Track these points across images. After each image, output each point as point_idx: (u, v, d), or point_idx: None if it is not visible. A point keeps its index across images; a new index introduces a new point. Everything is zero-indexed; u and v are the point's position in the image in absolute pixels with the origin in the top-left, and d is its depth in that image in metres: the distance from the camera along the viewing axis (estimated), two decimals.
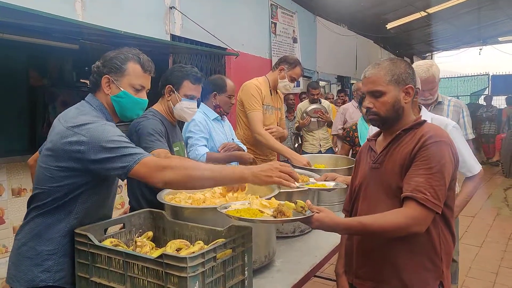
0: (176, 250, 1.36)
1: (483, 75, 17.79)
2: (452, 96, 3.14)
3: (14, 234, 1.92)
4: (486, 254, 4.31)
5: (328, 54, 9.29)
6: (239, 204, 1.51)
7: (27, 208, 1.46)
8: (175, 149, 2.14)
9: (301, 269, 1.74)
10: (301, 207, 1.34)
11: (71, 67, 5.03)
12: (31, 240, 1.41)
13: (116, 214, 1.79)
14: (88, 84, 1.55)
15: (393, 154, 1.47)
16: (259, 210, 1.39)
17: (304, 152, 5.16)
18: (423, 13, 10.16)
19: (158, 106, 2.14)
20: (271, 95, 3.09)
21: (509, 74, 16.28)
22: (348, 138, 3.52)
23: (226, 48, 5.56)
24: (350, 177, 2.30)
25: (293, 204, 1.36)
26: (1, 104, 3.98)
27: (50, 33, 3.52)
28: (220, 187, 1.91)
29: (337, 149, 5.32)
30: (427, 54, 17.80)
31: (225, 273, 1.26)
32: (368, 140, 1.67)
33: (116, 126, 1.47)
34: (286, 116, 6.02)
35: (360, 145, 2.94)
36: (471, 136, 2.72)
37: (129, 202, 2.13)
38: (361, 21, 10.07)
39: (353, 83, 9.33)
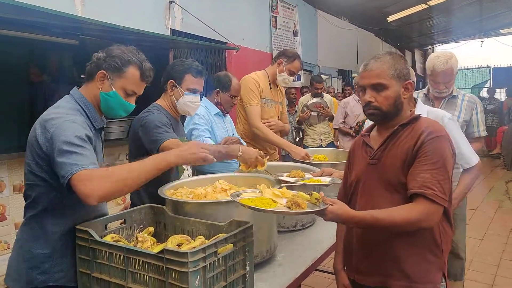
0: (177, 245, 1.36)
1: (485, 67, 17.72)
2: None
3: (16, 230, 1.92)
4: (488, 247, 4.31)
5: (329, 47, 9.25)
6: (250, 192, 1.53)
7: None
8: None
9: (303, 263, 1.74)
10: (316, 198, 1.33)
11: (71, 62, 5.02)
12: (27, 243, 1.41)
13: (117, 209, 1.79)
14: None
15: (392, 150, 1.46)
16: (272, 200, 1.39)
17: (305, 146, 5.15)
18: (424, 6, 10.10)
19: (161, 102, 2.14)
20: (271, 88, 3.07)
21: (511, 67, 16.21)
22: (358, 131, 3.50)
23: (227, 43, 5.54)
24: None
25: (307, 196, 1.35)
26: (1, 100, 3.98)
27: (49, 28, 3.51)
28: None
29: (338, 143, 5.32)
30: (429, 47, 17.72)
31: (226, 268, 1.26)
32: (361, 135, 1.65)
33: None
34: (287, 110, 6.01)
35: None
36: (484, 133, 2.69)
37: (130, 197, 2.13)
38: (362, 14, 10.00)
39: (354, 77, 9.30)
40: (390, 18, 10.97)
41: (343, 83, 10.03)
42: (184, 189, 1.87)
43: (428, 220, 1.32)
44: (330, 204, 1.30)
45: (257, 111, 2.90)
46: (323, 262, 2.12)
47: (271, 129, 2.92)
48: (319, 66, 8.96)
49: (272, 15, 7.02)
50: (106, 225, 1.49)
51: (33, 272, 1.38)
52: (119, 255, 1.26)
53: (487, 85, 16.10)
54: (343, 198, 1.66)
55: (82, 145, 1.31)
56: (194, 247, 1.20)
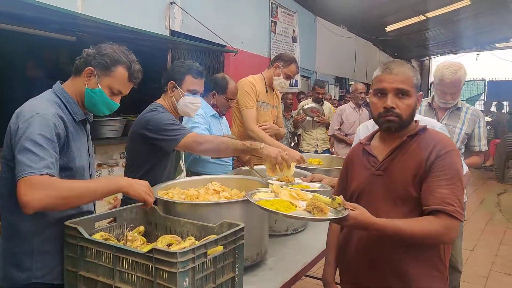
0: (167, 245, 1.35)
1: (480, 80, 17.92)
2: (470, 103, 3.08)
3: None
4: (478, 258, 4.33)
5: (327, 54, 9.30)
6: (263, 192, 1.50)
7: None
8: None
9: (293, 268, 1.73)
10: (338, 203, 1.28)
11: (68, 59, 4.99)
12: (6, 241, 1.39)
13: (107, 207, 1.78)
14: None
15: (400, 161, 1.42)
16: (290, 203, 1.35)
17: (301, 151, 5.15)
18: (422, 17, 10.19)
19: (162, 102, 2.11)
20: (267, 92, 3.08)
21: (505, 80, 16.39)
22: None
23: (226, 46, 5.55)
24: (337, 178, 2.30)
25: (326, 199, 1.31)
26: None
27: (47, 24, 3.49)
28: (215, 184, 1.91)
29: (333, 150, 5.33)
30: (425, 58, 17.87)
31: (215, 270, 1.25)
32: (361, 143, 1.59)
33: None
34: (283, 115, 6.02)
35: None
36: (484, 148, 2.68)
37: (122, 196, 2.12)
38: (361, 23, 10.08)
39: (351, 84, 9.34)
40: (389, 28, 11.06)
41: (343, 90, 10.08)
42: (176, 190, 1.86)
43: (448, 235, 1.30)
44: (351, 209, 1.25)
45: (253, 114, 2.90)
46: (314, 268, 2.11)
47: (266, 132, 2.91)
48: (316, 73, 9.00)
49: (272, 20, 7.05)
50: (94, 223, 1.47)
51: (15, 270, 1.36)
52: (108, 253, 1.25)
53: (482, 98, 16.28)
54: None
55: (43, 145, 1.28)
56: (184, 248, 1.19)
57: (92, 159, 1.63)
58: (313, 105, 5.30)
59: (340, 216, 1.24)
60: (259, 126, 2.91)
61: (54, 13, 3.00)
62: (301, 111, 5.29)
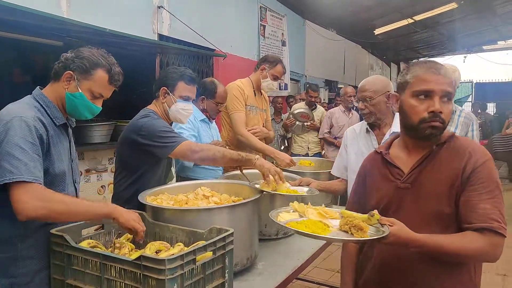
0: (156, 252, 1.34)
1: (467, 82, 18.22)
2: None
3: None
4: None
5: (316, 58, 9.35)
6: (285, 212, 1.37)
7: None
8: None
9: (283, 271, 1.73)
10: (377, 219, 1.17)
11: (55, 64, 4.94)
12: None
13: None
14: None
15: (431, 173, 1.28)
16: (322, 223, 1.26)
17: (292, 154, 5.16)
18: (410, 20, 10.32)
19: (153, 108, 2.09)
20: (255, 95, 3.08)
21: (492, 82, 16.69)
22: None
23: (214, 49, 5.55)
24: (325, 182, 2.31)
25: (362, 216, 1.20)
26: None
27: (33, 29, 3.46)
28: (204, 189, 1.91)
29: (323, 152, 5.35)
30: (414, 61, 18.07)
31: (204, 276, 1.24)
32: (379, 152, 1.44)
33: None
34: (273, 119, 6.02)
35: None
36: None
37: (111, 201, 2.09)
38: (349, 26, 10.17)
39: (340, 87, 9.41)
40: (377, 31, 11.18)
41: (333, 93, 10.12)
42: (165, 195, 1.85)
43: (494, 252, 1.19)
44: (389, 225, 1.15)
45: (242, 118, 2.90)
46: (305, 271, 2.12)
47: (255, 136, 2.91)
48: (306, 76, 9.04)
49: (260, 23, 7.07)
50: (81, 230, 1.45)
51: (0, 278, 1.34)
52: (95, 261, 1.23)
53: (469, 99, 16.55)
54: (353, 205, 1.50)
55: (26, 149, 1.28)
56: (173, 254, 1.18)
57: (75, 164, 1.61)
58: (303, 110, 5.28)
59: (382, 235, 1.11)
60: (249, 130, 2.91)
61: (41, 18, 2.97)
62: (291, 116, 5.27)
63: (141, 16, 4.50)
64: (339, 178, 2.28)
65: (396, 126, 2.03)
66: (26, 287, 1.36)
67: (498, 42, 14.60)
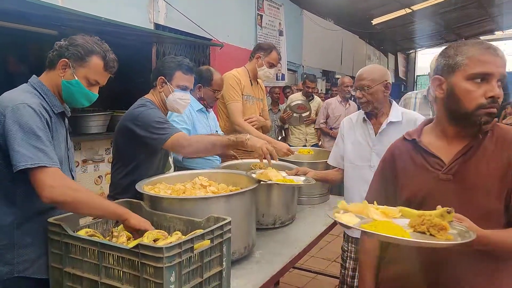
0: (154, 240, 1.34)
1: None
2: None
3: None
4: None
5: (313, 48, 9.30)
6: (343, 214, 1.19)
7: None
8: None
9: (280, 260, 1.75)
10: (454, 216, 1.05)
11: None
12: None
13: None
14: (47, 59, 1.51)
15: (477, 164, 1.17)
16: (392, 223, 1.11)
17: (290, 145, 5.14)
18: (407, 10, 10.26)
19: (151, 97, 2.08)
20: (252, 85, 3.07)
21: None
22: None
23: (211, 39, 5.51)
24: (321, 171, 2.31)
25: (436, 212, 1.06)
26: None
27: (28, 18, 3.41)
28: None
29: (320, 143, 5.35)
30: (411, 51, 18.04)
31: (202, 264, 1.25)
32: (410, 139, 1.31)
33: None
34: (270, 109, 6.00)
35: None
36: None
37: (110, 191, 2.09)
38: (347, 16, 10.10)
39: (338, 78, 9.39)
40: (375, 21, 11.11)
41: (329, 83, 10.10)
42: (162, 185, 1.85)
43: None
44: (458, 222, 1.04)
45: (239, 108, 2.89)
46: (302, 260, 2.13)
47: (252, 125, 2.91)
48: (303, 66, 9.01)
49: (257, 13, 7.01)
50: (79, 220, 1.45)
51: None
52: (93, 250, 1.24)
53: None
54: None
55: (40, 135, 1.31)
56: (170, 243, 1.19)
57: (71, 154, 1.62)
58: (300, 101, 5.23)
59: (469, 240, 0.97)
60: (245, 120, 2.90)
61: (35, 7, 2.93)
62: (287, 109, 5.22)
63: (137, 5, 4.45)
64: (335, 167, 2.29)
65: (393, 116, 2.03)
66: (24, 274, 1.37)
67: (496, 33, 14.57)
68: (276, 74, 7.56)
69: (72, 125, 4.11)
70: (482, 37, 15.13)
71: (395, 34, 13.77)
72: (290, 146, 3.77)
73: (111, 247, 1.21)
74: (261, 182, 1.86)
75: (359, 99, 2.04)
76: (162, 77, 2.05)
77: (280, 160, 2.62)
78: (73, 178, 1.59)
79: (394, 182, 1.33)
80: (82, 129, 3.89)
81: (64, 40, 1.48)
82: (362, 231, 1.06)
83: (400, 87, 14.83)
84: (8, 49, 4.47)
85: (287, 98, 6.31)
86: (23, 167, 1.25)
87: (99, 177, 4.18)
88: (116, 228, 1.47)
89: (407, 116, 2.05)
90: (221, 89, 2.76)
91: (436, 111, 1.29)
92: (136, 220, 1.40)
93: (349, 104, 5.11)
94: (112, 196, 2.02)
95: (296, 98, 5.40)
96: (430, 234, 1.02)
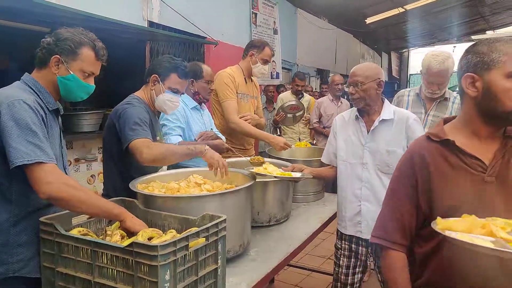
0: (148, 239, 1.33)
1: (456, 72, 18.36)
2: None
3: None
4: None
5: (308, 47, 9.31)
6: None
7: None
8: (157, 138, 2.10)
9: (275, 258, 1.74)
10: None
11: None
12: None
13: None
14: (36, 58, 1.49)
15: None
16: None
17: None
18: (401, 9, 10.31)
19: (140, 94, 2.07)
20: (246, 83, 3.06)
21: None
22: None
23: (205, 37, 5.48)
24: (317, 169, 2.31)
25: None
26: None
27: (21, 15, 3.36)
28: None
29: (315, 142, 5.34)
30: (404, 50, 18.15)
31: (197, 262, 1.24)
32: (439, 140, 1.19)
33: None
34: (265, 108, 5.98)
35: None
36: None
37: (103, 189, 2.07)
38: (341, 15, 10.12)
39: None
40: (369, 20, 11.14)
41: (325, 85, 10.07)
42: (156, 183, 1.84)
43: None
44: None
45: (234, 106, 2.88)
46: (297, 258, 2.13)
47: (247, 123, 2.90)
48: (298, 65, 9.01)
49: (252, 11, 6.99)
50: (72, 219, 1.44)
51: None
52: (86, 249, 1.22)
53: (457, 89, 16.69)
54: (402, 233, 1.21)
55: (36, 131, 1.30)
56: (165, 241, 1.18)
57: (65, 152, 1.60)
58: (293, 102, 5.12)
59: None
60: (240, 117, 2.89)
61: (29, 4, 2.89)
62: (280, 110, 5.01)
63: (131, 2, 4.41)
64: (329, 165, 2.29)
65: (385, 114, 2.03)
66: (20, 273, 1.35)
67: (487, 32, 14.70)
68: (271, 73, 7.56)
69: (65, 123, 4.04)
70: (473, 37, 15.27)
71: (389, 33, 13.84)
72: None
73: (104, 246, 1.20)
74: (258, 177, 1.86)
75: (351, 95, 2.04)
76: (155, 75, 2.03)
77: (275, 158, 2.63)
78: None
79: (424, 189, 1.19)
80: (74, 128, 3.85)
81: (49, 37, 1.47)
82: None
83: (394, 85, 14.90)
84: (0, 47, 4.41)
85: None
86: (20, 164, 1.24)
87: (91, 176, 4.15)
88: (109, 226, 1.46)
89: (399, 114, 2.06)
90: (213, 79, 2.74)
91: (464, 110, 1.20)
92: (132, 222, 1.39)
93: (341, 102, 5.09)
94: (106, 195, 2.00)
95: (286, 97, 5.32)
96: None
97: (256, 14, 7.12)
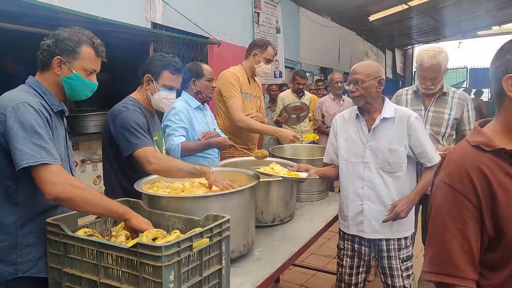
0: (152, 239, 1.34)
1: (462, 68, 18.23)
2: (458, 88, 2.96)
3: None
4: None
5: (311, 45, 9.29)
6: None
7: None
8: (154, 138, 2.10)
9: (280, 258, 1.75)
10: None
11: None
12: None
13: None
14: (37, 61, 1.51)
15: None
16: None
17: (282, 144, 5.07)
18: (404, 6, 10.25)
19: (136, 95, 2.08)
20: (249, 83, 3.07)
21: (487, 68, 16.70)
22: None
23: (208, 37, 5.49)
24: (321, 168, 2.30)
25: None
26: None
27: (24, 18, 3.39)
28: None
29: (317, 141, 5.32)
30: (409, 47, 18.04)
31: (201, 263, 1.25)
32: (491, 150, 1.01)
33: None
34: (269, 107, 5.98)
35: None
36: None
37: (104, 191, 2.08)
38: (344, 12, 10.08)
39: None
40: (372, 18, 11.09)
41: (317, 78, 10.01)
42: (161, 184, 1.85)
43: None
44: None
45: (239, 105, 2.88)
46: (301, 258, 2.14)
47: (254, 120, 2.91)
48: (301, 64, 8.99)
49: (255, 11, 6.99)
50: (77, 220, 1.45)
51: (1, 265, 1.35)
52: (92, 249, 1.24)
53: (464, 85, 16.59)
54: (473, 265, 0.99)
55: (41, 133, 1.32)
56: (169, 241, 1.19)
57: (71, 153, 1.63)
58: (297, 103, 5.05)
59: None
60: (246, 116, 2.91)
61: (31, 7, 2.91)
62: (283, 112, 4.88)
63: (134, 4, 4.43)
64: (331, 164, 2.28)
65: (386, 112, 2.03)
66: (29, 273, 1.38)
67: (493, 27, 14.57)
68: (274, 72, 7.55)
69: (70, 125, 4.10)
70: (479, 32, 15.15)
71: (392, 30, 13.76)
72: (284, 144, 3.76)
73: (109, 246, 1.21)
74: (263, 177, 1.87)
75: (352, 93, 2.04)
76: (148, 75, 2.03)
77: (279, 157, 2.63)
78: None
79: (489, 209, 0.99)
80: (80, 129, 3.88)
81: (47, 39, 1.49)
82: None
83: (398, 82, 14.83)
84: (4, 50, 4.45)
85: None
86: (26, 165, 1.26)
87: (97, 177, 4.18)
88: (114, 227, 1.47)
89: (400, 112, 2.05)
90: (214, 77, 2.74)
91: (508, 114, 1.05)
92: (137, 221, 1.40)
93: (343, 100, 5.01)
94: (109, 195, 2.02)
95: (287, 96, 5.24)
96: None
97: (258, 13, 7.11)
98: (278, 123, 5.22)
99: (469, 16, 12.17)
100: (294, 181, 2.14)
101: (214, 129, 2.79)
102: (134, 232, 1.40)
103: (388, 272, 2.09)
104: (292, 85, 5.38)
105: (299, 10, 8.77)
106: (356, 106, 2.11)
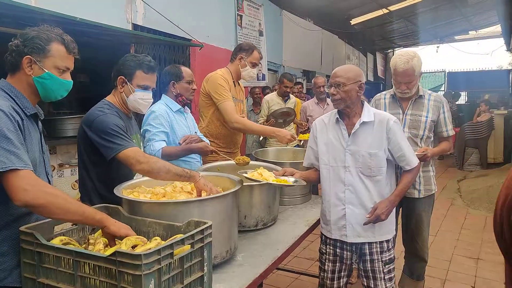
0: (132, 247, 1.30)
1: (440, 72, 18.70)
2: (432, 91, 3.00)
3: None
4: (441, 243, 4.52)
5: (294, 48, 9.33)
6: None
7: None
8: (133, 141, 2.05)
9: (263, 262, 1.73)
10: None
11: None
12: None
13: None
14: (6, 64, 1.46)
15: None
16: None
17: (268, 147, 5.06)
18: (385, 10, 10.42)
19: (111, 98, 2.02)
20: (235, 86, 3.05)
21: (464, 71, 17.15)
22: None
23: (191, 39, 5.45)
24: (305, 172, 2.29)
25: None
26: None
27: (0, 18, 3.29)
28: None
29: (302, 143, 5.32)
30: (389, 51, 18.34)
31: (182, 270, 1.22)
32: None
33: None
34: (252, 110, 5.97)
35: None
36: (452, 132, 2.70)
37: (80, 197, 2.02)
38: (326, 16, 10.18)
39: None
40: (354, 21, 11.24)
41: (295, 81, 10.01)
42: (141, 189, 1.81)
43: None
44: None
45: (233, 106, 2.86)
46: (285, 261, 2.12)
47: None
48: (284, 66, 9.03)
49: (237, 13, 6.99)
50: (53, 227, 1.40)
51: None
52: (68, 259, 1.19)
53: (442, 88, 17.01)
54: None
55: (11, 137, 1.27)
56: (149, 249, 1.16)
57: (47, 157, 1.56)
58: (284, 109, 5.00)
59: None
60: None
61: (7, 7, 2.82)
62: (270, 117, 4.86)
63: (114, 5, 4.35)
64: (313, 168, 2.28)
65: (365, 116, 2.04)
66: (2, 283, 1.32)
67: (469, 32, 14.97)
68: (257, 74, 7.55)
69: (47, 128, 4.00)
70: (456, 37, 15.55)
71: (374, 34, 13.97)
72: (269, 147, 3.75)
73: (86, 255, 1.17)
74: (251, 182, 1.86)
75: (332, 95, 2.05)
76: (122, 77, 1.99)
77: (262, 161, 2.62)
78: (49, 182, 1.54)
79: None
80: (58, 132, 3.79)
81: (16, 39, 1.43)
82: None
83: (379, 86, 15.06)
84: None
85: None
86: (3, 171, 1.21)
87: (76, 181, 4.07)
88: (92, 235, 1.43)
89: (379, 116, 2.07)
90: (193, 78, 2.71)
91: None
92: (116, 226, 1.36)
93: (328, 103, 5.04)
94: (85, 202, 1.96)
95: (272, 99, 5.21)
96: None
97: (241, 16, 7.11)
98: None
99: (447, 21, 12.48)
100: (282, 186, 2.14)
101: (196, 132, 2.76)
102: (113, 239, 1.36)
103: (370, 275, 2.10)
104: (278, 88, 5.35)
105: (282, 13, 8.81)
106: (336, 111, 2.12)
